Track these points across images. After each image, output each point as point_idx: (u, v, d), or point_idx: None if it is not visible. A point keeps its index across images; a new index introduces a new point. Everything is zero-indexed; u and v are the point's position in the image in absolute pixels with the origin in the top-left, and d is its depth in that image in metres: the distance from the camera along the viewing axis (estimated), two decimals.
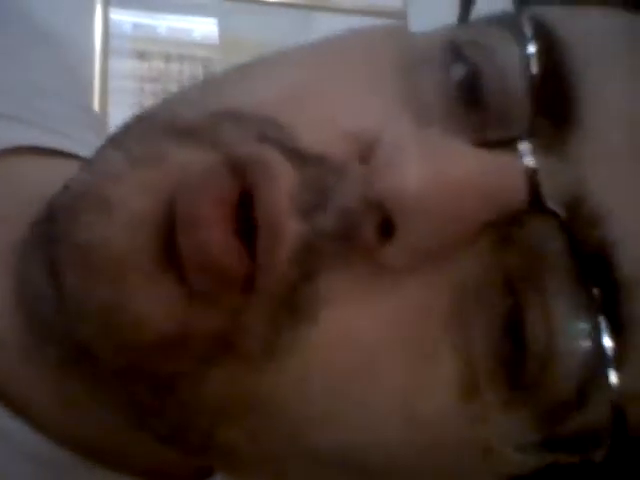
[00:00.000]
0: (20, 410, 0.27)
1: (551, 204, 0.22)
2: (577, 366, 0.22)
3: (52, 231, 0.24)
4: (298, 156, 0.22)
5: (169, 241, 0.22)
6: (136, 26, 1.40)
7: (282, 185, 0.22)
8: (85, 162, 0.26)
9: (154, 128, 0.24)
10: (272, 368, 0.22)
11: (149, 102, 1.41)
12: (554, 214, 0.22)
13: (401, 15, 1.45)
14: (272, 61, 0.27)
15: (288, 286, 0.22)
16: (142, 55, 1.38)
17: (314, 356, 0.22)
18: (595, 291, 0.22)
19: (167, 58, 1.40)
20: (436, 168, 0.21)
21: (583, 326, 0.22)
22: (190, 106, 0.25)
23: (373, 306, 0.22)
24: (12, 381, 0.27)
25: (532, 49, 0.24)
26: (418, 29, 0.28)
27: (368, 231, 0.22)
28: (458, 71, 0.25)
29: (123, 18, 1.37)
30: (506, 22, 0.25)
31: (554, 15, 0.26)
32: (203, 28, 1.44)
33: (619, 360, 0.22)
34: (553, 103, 0.24)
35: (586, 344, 0.22)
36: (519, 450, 0.24)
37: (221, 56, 1.40)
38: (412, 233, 0.22)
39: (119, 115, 1.31)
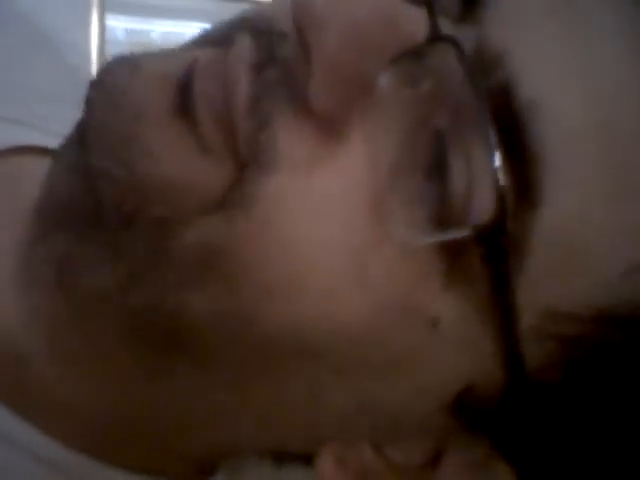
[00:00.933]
0: (31, 408, 0.28)
1: (452, 42, 0.24)
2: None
3: (82, 117, 0.27)
4: (262, 34, 0.26)
5: (185, 95, 0.25)
6: (129, 32, 1.41)
7: (240, 53, 0.26)
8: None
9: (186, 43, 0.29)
10: (240, 216, 0.24)
11: None
12: (453, 43, 0.24)
13: None
14: None
15: (249, 134, 0.25)
16: None
17: (274, 204, 0.24)
18: (500, 124, 0.23)
19: None
20: None
21: (494, 161, 0.23)
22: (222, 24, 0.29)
23: (323, 163, 0.25)
24: (29, 367, 0.29)
25: None
26: None
27: (299, 74, 0.25)
28: None
29: (116, 24, 1.37)
30: None
31: None
32: (196, 33, 1.45)
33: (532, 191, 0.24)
34: None
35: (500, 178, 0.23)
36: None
37: None
38: (322, 48, 0.24)
39: None
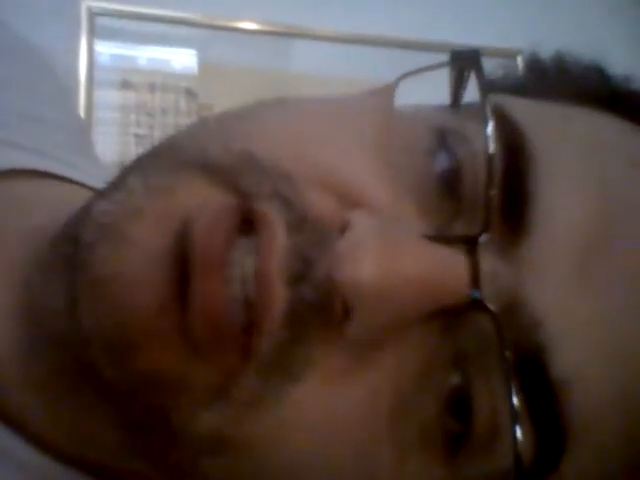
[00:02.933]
0: (17, 427, 0.28)
1: (490, 304, 0.24)
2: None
3: (72, 257, 0.25)
4: (297, 219, 0.25)
5: (179, 279, 0.24)
6: (116, 57, 1.41)
7: (275, 253, 0.24)
8: (106, 186, 0.28)
9: (178, 160, 0.27)
10: (255, 416, 0.25)
11: (132, 132, 1.42)
12: (492, 314, 0.24)
13: (384, 42, 1.48)
14: (287, 110, 0.29)
15: (279, 346, 0.24)
16: (124, 86, 1.40)
17: (293, 412, 0.25)
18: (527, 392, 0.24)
19: (150, 88, 1.42)
20: (389, 265, 0.24)
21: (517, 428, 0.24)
22: (215, 144, 0.27)
23: (347, 381, 0.25)
24: (9, 395, 0.28)
25: (490, 128, 0.25)
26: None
27: (336, 306, 0.25)
28: (442, 160, 0.27)
29: (104, 49, 1.38)
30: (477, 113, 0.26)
31: (519, 105, 0.29)
32: (182, 59, 1.45)
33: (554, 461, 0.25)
34: (511, 200, 0.26)
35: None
36: None
37: (200, 86, 1.41)
38: (364, 314, 0.24)
39: (103, 146, 1.33)
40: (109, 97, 1.38)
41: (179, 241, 0.24)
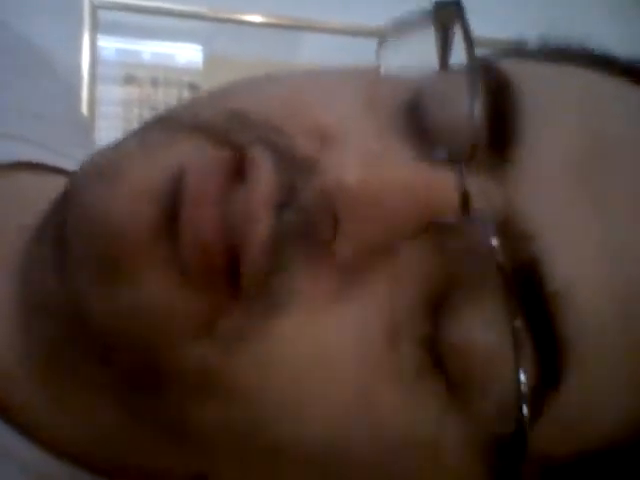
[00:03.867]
0: (20, 424, 0.28)
1: (481, 219, 0.24)
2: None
3: (63, 200, 0.26)
4: (285, 159, 0.25)
5: (170, 214, 0.24)
6: (120, 52, 1.41)
7: (264, 187, 0.24)
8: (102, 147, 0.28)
9: (172, 124, 0.27)
10: (242, 351, 0.24)
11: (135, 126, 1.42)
12: (484, 225, 0.24)
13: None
14: (278, 77, 0.30)
15: (263, 273, 0.24)
16: (127, 81, 1.40)
17: (280, 345, 0.24)
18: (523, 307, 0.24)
19: (153, 83, 1.42)
20: (376, 170, 0.24)
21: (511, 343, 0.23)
22: (207, 107, 0.28)
23: (337, 307, 0.24)
24: (11, 391, 0.28)
25: (478, 80, 0.26)
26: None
27: (323, 226, 0.24)
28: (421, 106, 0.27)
29: (107, 44, 1.38)
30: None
31: (506, 61, 0.29)
32: (186, 53, 1.45)
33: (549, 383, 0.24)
34: (496, 131, 0.26)
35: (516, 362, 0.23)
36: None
37: (205, 80, 1.41)
38: (352, 222, 0.24)
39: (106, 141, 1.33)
40: (112, 92, 1.38)
41: (172, 182, 0.24)
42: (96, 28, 1.32)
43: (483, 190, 0.25)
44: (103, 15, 1.33)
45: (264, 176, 0.25)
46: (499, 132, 0.26)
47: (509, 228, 0.24)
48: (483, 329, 0.24)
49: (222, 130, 0.26)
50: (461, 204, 0.24)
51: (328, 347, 0.24)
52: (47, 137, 0.40)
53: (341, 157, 0.25)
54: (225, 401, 0.25)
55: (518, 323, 0.23)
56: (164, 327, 0.24)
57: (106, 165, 0.26)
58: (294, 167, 0.25)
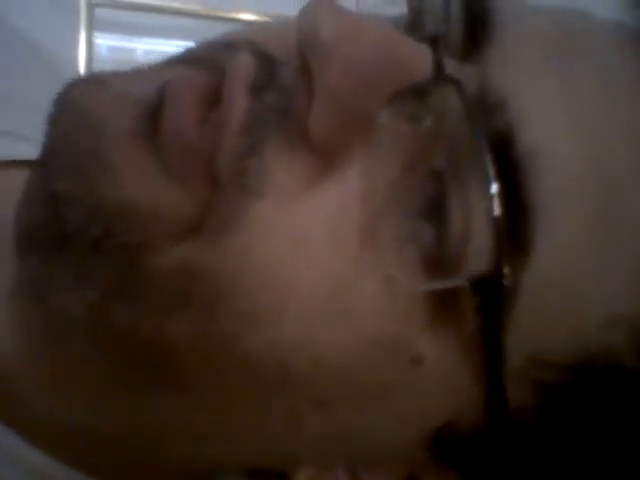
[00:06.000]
0: (20, 426, 0.28)
1: (455, 80, 0.24)
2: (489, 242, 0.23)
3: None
4: (266, 57, 0.26)
5: (152, 116, 0.24)
6: (113, 49, 1.41)
7: (240, 73, 0.25)
8: None
9: (163, 60, 0.28)
10: (221, 242, 0.24)
11: None
12: (458, 86, 0.24)
13: None
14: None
15: (238, 156, 0.24)
16: None
17: (257, 232, 0.24)
18: (499, 166, 0.23)
19: None
20: (352, 24, 0.24)
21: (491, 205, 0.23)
22: (200, 46, 0.29)
23: (311, 193, 0.24)
24: (12, 388, 0.28)
25: None
26: None
27: (298, 100, 0.24)
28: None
29: (100, 42, 1.38)
30: None
31: None
32: (180, 51, 1.45)
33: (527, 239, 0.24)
34: (470, 24, 0.26)
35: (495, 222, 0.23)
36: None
37: None
38: (326, 79, 0.24)
39: None
40: None
41: (157, 92, 0.25)
42: (92, 26, 1.32)
43: (457, 67, 0.25)
44: (99, 13, 1.34)
45: (241, 63, 0.25)
46: (473, 24, 0.26)
47: (483, 97, 0.24)
48: (459, 203, 0.24)
49: (209, 56, 0.27)
50: (435, 67, 0.24)
51: (303, 234, 0.24)
52: (39, 131, 0.40)
53: (316, 17, 0.24)
54: (203, 308, 0.24)
55: (493, 188, 0.23)
56: (149, 228, 0.24)
57: (97, 75, 0.27)
58: (274, 62, 0.25)
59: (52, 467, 0.29)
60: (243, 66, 0.25)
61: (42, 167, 0.26)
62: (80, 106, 0.25)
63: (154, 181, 0.24)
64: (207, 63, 0.26)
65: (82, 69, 1.31)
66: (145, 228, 0.24)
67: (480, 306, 0.24)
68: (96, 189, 0.24)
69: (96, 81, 0.26)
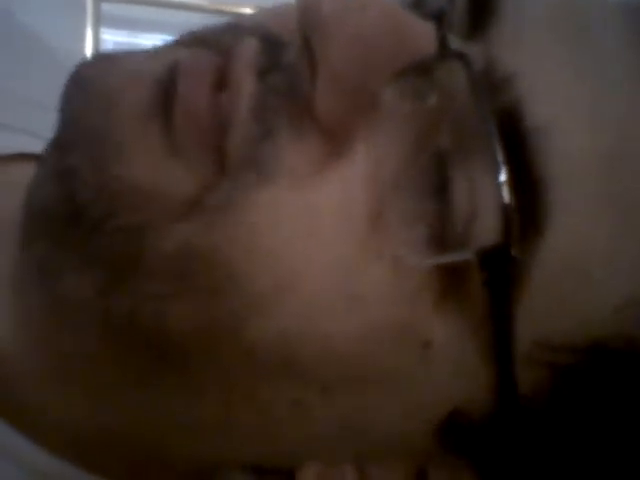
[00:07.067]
0: (20, 422, 0.28)
1: (461, 55, 0.24)
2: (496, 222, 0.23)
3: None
4: (268, 39, 0.26)
5: (165, 94, 0.25)
6: (119, 45, 1.41)
7: (246, 57, 0.25)
8: None
9: (173, 42, 0.29)
10: (227, 224, 0.24)
11: None
12: (465, 61, 0.24)
13: None
14: None
15: (250, 141, 0.24)
16: None
17: (263, 215, 0.24)
18: (506, 144, 0.23)
19: None
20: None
21: (497, 181, 0.23)
22: (209, 28, 0.29)
23: (321, 177, 0.24)
24: (13, 387, 0.28)
25: None
26: None
27: (304, 78, 0.24)
28: None
29: (109, 37, 1.37)
30: None
31: None
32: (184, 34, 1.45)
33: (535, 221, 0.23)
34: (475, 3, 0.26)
35: (503, 200, 0.23)
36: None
37: None
38: (328, 57, 0.23)
39: None
40: None
41: (169, 70, 0.25)
42: (99, 21, 1.32)
43: (463, 45, 0.25)
44: (106, 8, 1.34)
45: (247, 46, 0.25)
46: (477, 1, 0.26)
47: (489, 73, 0.24)
48: (466, 180, 0.24)
49: (216, 39, 0.27)
50: (440, 43, 0.24)
51: (310, 219, 0.24)
52: (49, 128, 0.40)
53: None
54: (207, 291, 0.24)
55: (501, 165, 0.23)
56: (152, 206, 0.24)
57: (109, 54, 0.27)
58: (279, 44, 0.25)
59: (54, 465, 0.29)
60: (249, 49, 0.25)
61: (55, 144, 0.26)
62: (93, 83, 0.25)
63: (159, 160, 0.24)
64: (213, 45, 0.26)
65: None
66: (146, 207, 0.24)
67: (488, 280, 0.23)
68: (105, 167, 0.24)
69: (108, 59, 0.26)
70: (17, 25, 0.48)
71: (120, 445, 0.28)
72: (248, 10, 1.43)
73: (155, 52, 0.27)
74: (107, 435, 0.28)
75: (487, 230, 0.23)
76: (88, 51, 1.31)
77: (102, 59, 0.27)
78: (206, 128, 0.24)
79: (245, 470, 0.28)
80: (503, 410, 0.25)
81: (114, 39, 1.40)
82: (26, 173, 0.36)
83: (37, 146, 0.37)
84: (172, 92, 0.24)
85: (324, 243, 0.24)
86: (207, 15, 1.42)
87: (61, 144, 0.26)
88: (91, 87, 0.25)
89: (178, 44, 0.28)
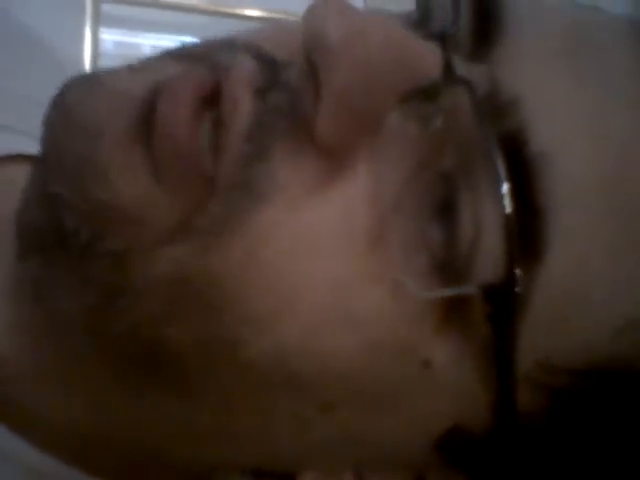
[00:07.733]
0: (21, 426, 0.28)
1: (465, 81, 0.23)
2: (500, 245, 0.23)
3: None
4: (265, 59, 0.25)
5: (147, 118, 0.24)
6: (119, 44, 1.42)
7: (244, 75, 0.24)
8: None
9: (161, 55, 0.28)
10: (220, 247, 0.23)
11: None
12: (468, 86, 0.23)
13: None
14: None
15: (244, 162, 0.23)
16: None
17: (259, 237, 0.23)
18: (510, 167, 0.23)
19: None
20: (358, 23, 0.23)
21: (502, 209, 0.23)
22: (200, 44, 0.28)
23: (319, 197, 0.24)
24: (13, 389, 0.28)
25: None
26: None
27: (304, 99, 0.24)
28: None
29: (107, 37, 1.38)
30: None
31: None
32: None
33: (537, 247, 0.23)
34: (480, 20, 0.26)
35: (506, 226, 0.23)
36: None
37: None
38: (333, 82, 0.23)
39: None
40: None
41: (152, 93, 0.24)
42: (98, 21, 1.32)
43: (467, 66, 0.25)
44: (105, 8, 1.34)
45: (244, 65, 0.24)
46: (482, 21, 0.26)
47: (493, 96, 0.24)
48: (470, 205, 0.23)
49: (208, 55, 0.26)
50: (445, 67, 0.24)
51: (307, 241, 0.23)
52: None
53: (323, 18, 0.23)
54: (203, 312, 0.24)
55: (504, 189, 0.22)
56: (138, 231, 0.24)
57: (93, 74, 0.27)
58: (276, 65, 0.25)
59: (51, 466, 0.28)
60: (246, 67, 0.24)
61: (41, 169, 0.26)
62: (75, 108, 0.25)
63: (143, 184, 0.24)
64: (205, 61, 0.26)
65: (88, 64, 1.32)
66: (132, 231, 0.24)
67: (491, 314, 0.23)
68: (90, 193, 0.24)
69: (92, 82, 0.26)
70: (16, 25, 0.48)
71: (118, 447, 0.28)
72: (248, 12, 1.44)
73: (143, 67, 0.27)
74: (105, 437, 0.28)
75: (490, 258, 0.23)
76: (87, 51, 1.31)
77: (85, 81, 0.26)
78: (186, 151, 0.23)
79: (244, 473, 0.28)
80: (501, 427, 0.25)
81: (113, 39, 1.41)
82: (25, 174, 0.36)
83: (36, 147, 0.37)
84: (153, 115, 0.24)
85: (323, 263, 0.24)
86: (207, 15, 1.43)
87: (44, 171, 0.26)
88: (74, 113, 0.25)
89: (169, 57, 0.27)
